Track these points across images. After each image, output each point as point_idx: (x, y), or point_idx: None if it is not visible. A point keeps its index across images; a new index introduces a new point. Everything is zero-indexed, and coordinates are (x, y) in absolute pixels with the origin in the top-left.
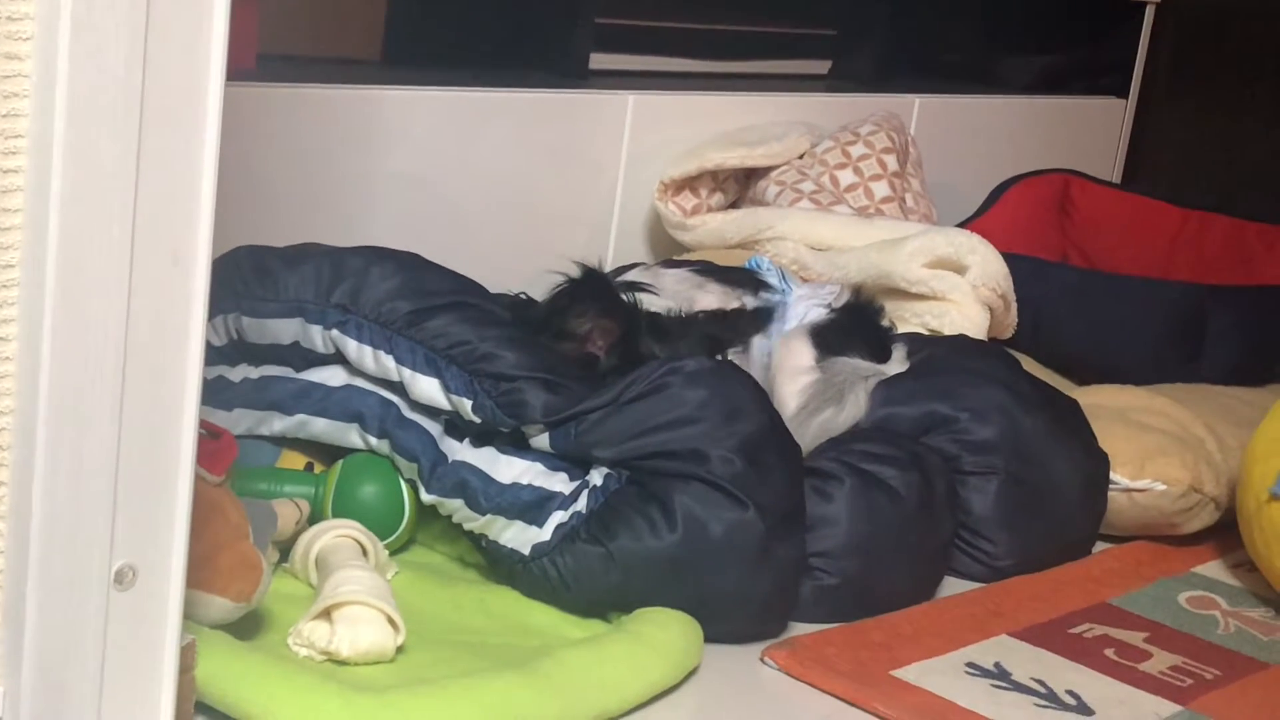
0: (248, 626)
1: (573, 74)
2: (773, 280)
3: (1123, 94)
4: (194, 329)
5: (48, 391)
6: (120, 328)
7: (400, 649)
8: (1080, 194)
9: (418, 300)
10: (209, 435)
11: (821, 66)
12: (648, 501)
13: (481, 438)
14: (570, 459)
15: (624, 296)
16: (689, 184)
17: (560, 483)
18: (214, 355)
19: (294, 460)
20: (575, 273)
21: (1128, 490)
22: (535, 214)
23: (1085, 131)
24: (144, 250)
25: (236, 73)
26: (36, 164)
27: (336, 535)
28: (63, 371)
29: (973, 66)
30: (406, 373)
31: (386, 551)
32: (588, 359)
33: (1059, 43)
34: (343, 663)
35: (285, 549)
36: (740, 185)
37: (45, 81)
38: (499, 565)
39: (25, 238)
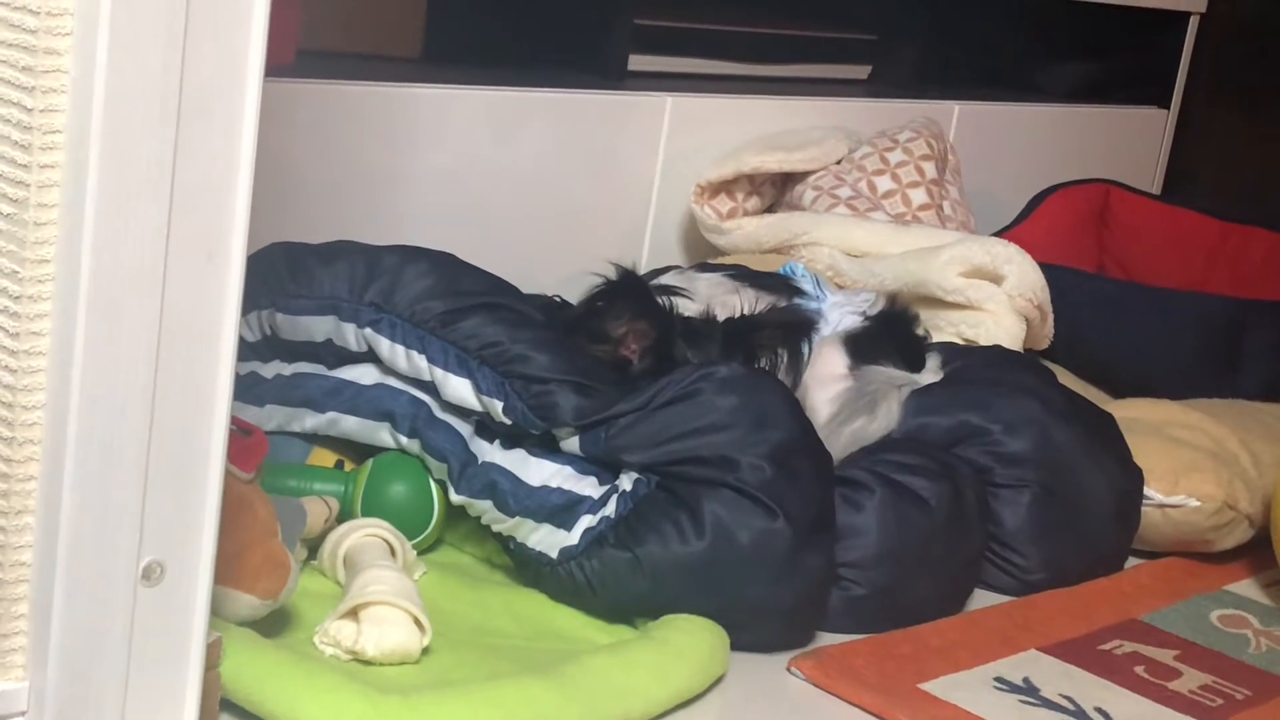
0: (274, 624)
1: (611, 75)
2: (807, 287)
3: (1164, 105)
4: (227, 326)
5: (80, 386)
6: (154, 324)
7: (426, 650)
8: (1119, 205)
9: (451, 300)
10: (240, 432)
11: (861, 71)
12: (676, 507)
13: (512, 439)
14: (600, 463)
15: (659, 300)
16: (725, 187)
17: (590, 487)
18: (247, 351)
19: (324, 458)
20: (611, 274)
21: (1161, 506)
22: (570, 215)
23: (1126, 142)
24: (178, 247)
25: (275, 68)
26: (73, 159)
27: (365, 534)
28: (95, 367)
29: (1013, 74)
30: (439, 373)
31: (414, 551)
32: (621, 362)
33: (1101, 52)
34: (368, 663)
35: (314, 547)
36: (777, 189)
37: (84, 77)
38: (526, 568)
39: (61, 232)
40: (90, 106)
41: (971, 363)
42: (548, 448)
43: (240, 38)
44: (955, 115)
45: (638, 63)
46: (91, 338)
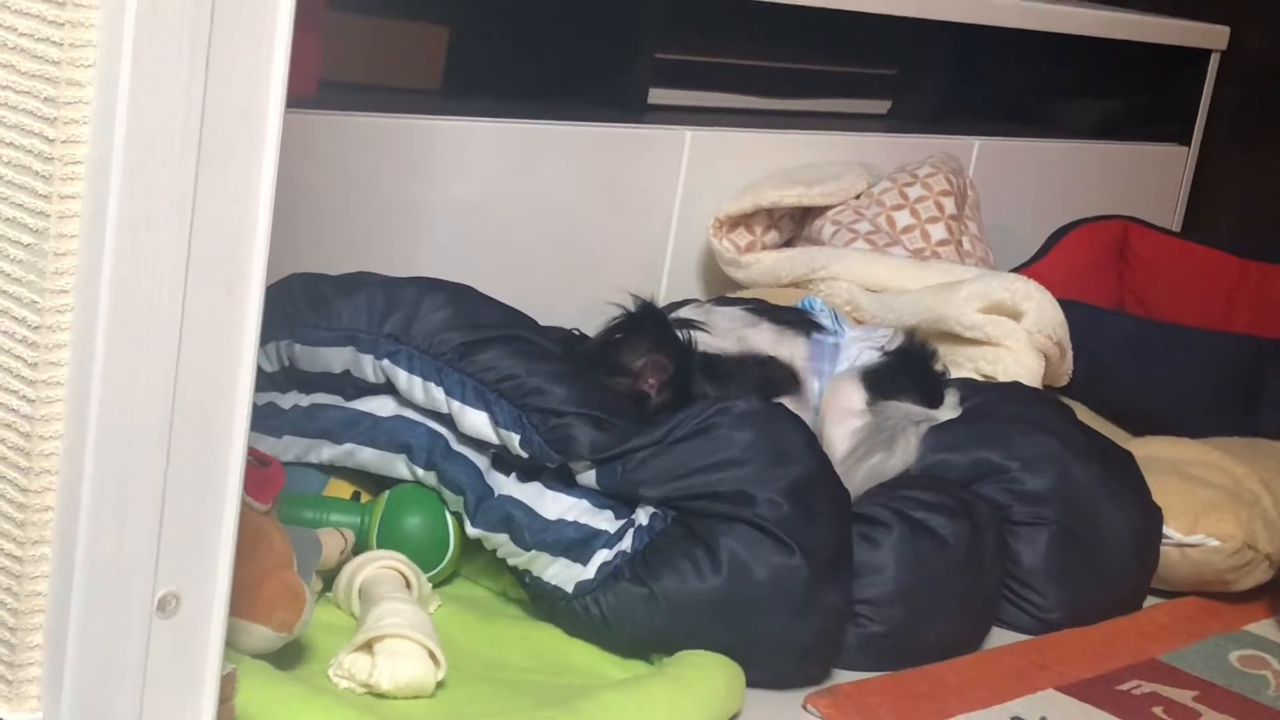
0: (288, 656)
1: (631, 108)
2: (825, 322)
3: (1185, 141)
4: (245, 359)
5: (97, 417)
6: (172, 355)
7: (440, 684)
8: (1139, 241)
9: (469, 332)
10: (257, 463)
11: (881, 106)
12: (693, 542)
13: (528, 473)
14: (617, 497)
15: (678, 334)
16: (744, 221)
17: (606, 521)
18: (265, 381)
19: (341, 489)
20: (630, 306)
21: (1180, 545)
22: (589, 248)
23: (1146, 178)
24: (198, 279)
25: (297, 99)
26: (94, 190)
27: (380, 566)
28: (112, 398)
29: (1033, 110)
30: (455, 405)
31: (429, 584)
32: (639, 396)
33: (1122, 88)
34: (382, 696)
35: (329, 578)
36: (796, 224)
37: (105, 108)
38: (541, 602)
39: (80, 263)
40: (111, 138)
41: (990, 399)
42: (564, 481)
43: (262, 69)
44: (975, 151)
45: (657, 96)
46: (109, 368)
